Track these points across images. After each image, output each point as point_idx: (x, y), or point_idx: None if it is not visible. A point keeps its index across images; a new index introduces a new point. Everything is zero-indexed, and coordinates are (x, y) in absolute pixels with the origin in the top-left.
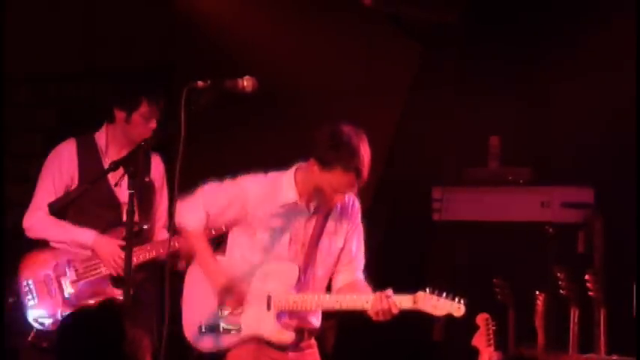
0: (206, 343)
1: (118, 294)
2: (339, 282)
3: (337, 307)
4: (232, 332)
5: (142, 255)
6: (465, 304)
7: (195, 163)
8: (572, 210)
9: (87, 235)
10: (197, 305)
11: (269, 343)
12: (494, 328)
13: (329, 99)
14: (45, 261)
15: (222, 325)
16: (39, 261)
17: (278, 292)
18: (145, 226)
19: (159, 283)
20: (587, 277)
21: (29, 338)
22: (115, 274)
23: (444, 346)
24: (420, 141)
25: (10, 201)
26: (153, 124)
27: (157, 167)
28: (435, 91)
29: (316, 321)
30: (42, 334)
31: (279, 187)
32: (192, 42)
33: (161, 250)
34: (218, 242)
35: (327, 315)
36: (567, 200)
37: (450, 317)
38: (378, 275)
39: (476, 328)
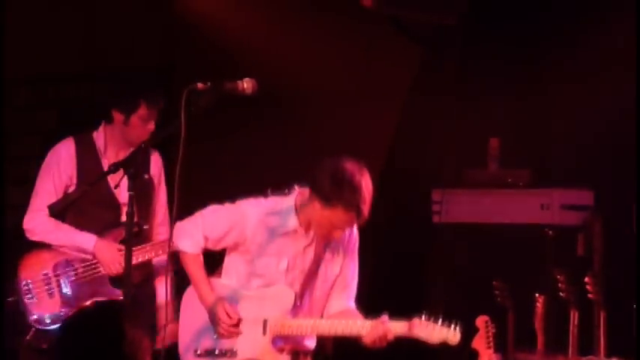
0: None
1: (118, 294)
2: (332, 308)
3: (333, 332)
4: (228, 356)
5: (141, 255)
6: (461, 332)
7: (195, 163)
8: (572, 212)
9: (88, 240)
10: (193, 329)
11: None
12: (493, 330)
13: (329, 100)
14: (44, 261)
15: (218, 348)
16: (38, 261)
17: (274, 317)
18: (145, 227)
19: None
20: (586, 279)
21: (28, 337)
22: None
23: (444, 348)
24: (419, 143)
25: (10, 203)
26: (151, 126)
27: (156, 163)
28: (435, 93)
29: (311, 343)
30: (41, 334)
31: (279, 214)
32: (192, 43)
33: (160, 252)
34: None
35: None
36: (567, 203)
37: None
38: (378, 277)
39: (475, 330)
